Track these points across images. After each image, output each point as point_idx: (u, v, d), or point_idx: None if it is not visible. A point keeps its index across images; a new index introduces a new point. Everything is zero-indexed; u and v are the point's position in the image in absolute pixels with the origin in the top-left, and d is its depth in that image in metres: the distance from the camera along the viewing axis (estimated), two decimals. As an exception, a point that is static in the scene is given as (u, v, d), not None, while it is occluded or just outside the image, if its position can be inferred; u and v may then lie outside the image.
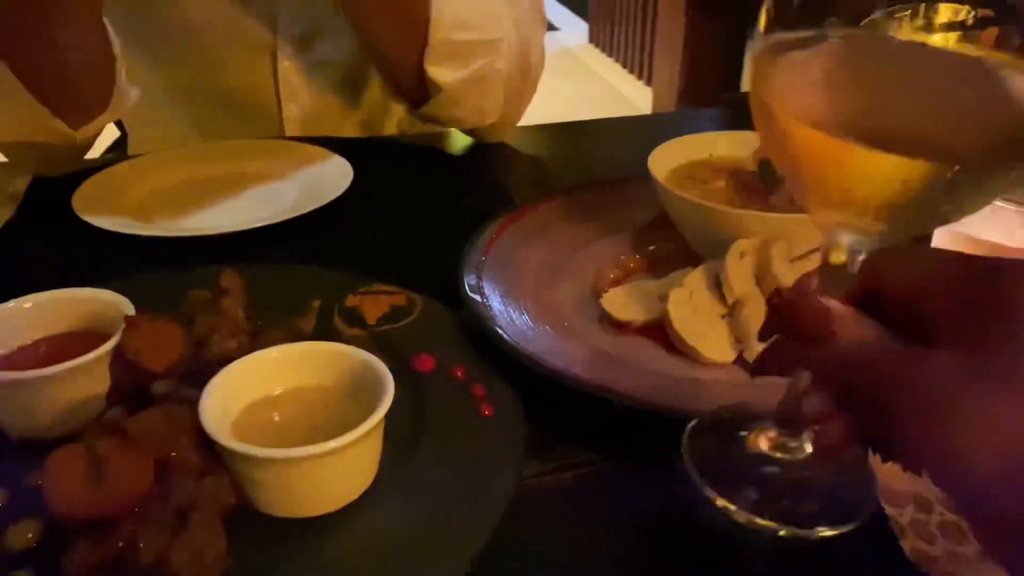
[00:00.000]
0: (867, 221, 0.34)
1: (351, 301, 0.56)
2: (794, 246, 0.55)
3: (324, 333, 0.52)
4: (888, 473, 0.41)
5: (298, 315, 0.54)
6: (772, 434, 0.42)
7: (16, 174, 0.77)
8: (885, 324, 0.33)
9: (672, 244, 0.63)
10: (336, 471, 0.39)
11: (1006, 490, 0.26)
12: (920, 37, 0.31)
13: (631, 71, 4.29)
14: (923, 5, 0.31)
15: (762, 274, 0.54)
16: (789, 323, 0.36)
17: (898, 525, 0.39)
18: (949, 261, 0.33)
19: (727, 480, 0.40)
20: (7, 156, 0.81)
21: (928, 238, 0.54)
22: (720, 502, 0.39)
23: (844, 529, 0.38)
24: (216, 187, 0.79)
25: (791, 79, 0.33)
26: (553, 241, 0.65)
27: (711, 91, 3.25)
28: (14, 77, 0.70)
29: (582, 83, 4.31)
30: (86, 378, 0.43)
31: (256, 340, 0.47)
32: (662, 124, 1.30)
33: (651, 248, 0.65)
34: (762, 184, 0.62)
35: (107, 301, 0.48)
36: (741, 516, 0.39)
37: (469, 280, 0.57)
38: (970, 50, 0.31)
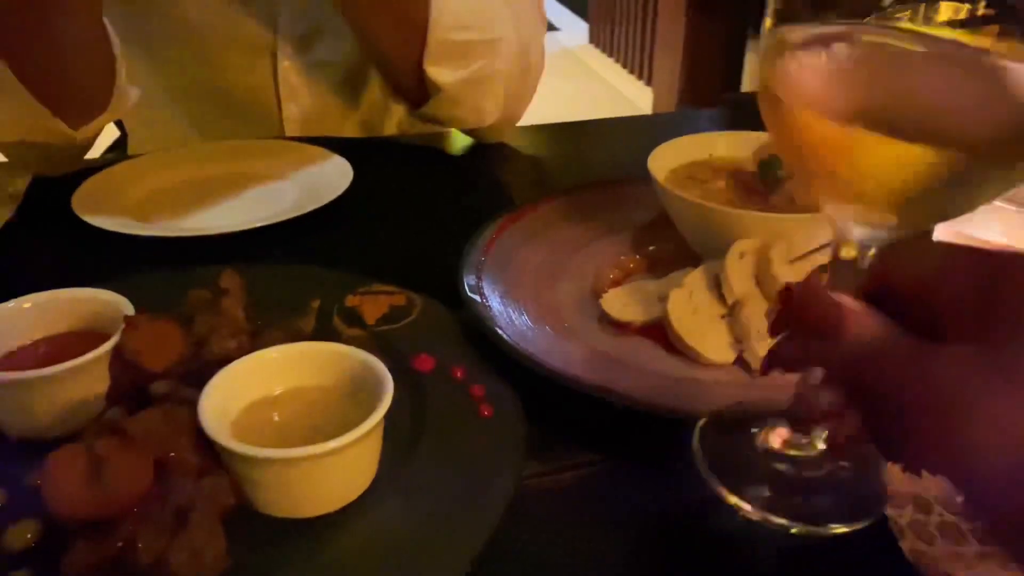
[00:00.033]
0: (878, 213, 0.34)
1: (351, 301, 0.56)
2: (794, 246, 0.55)
3: (324, 333, 0.52)
4: (888, 474, 0.41)
5: (298, 315, 0.54)
6: (783, 431, 0.41)
7: (16, 174, 0.77)
8: (896, 319, 0.33)
9: (672, 244, 0.63)
10: (336, 471, 0.39)
11: (1017, 485, 0.26)
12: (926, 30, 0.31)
13: (631, 71, 4.29)
14: (923, 4, 0.31)
15: (762, 274, 0.53)
16: (799, 318, 0.36)
17: (897, 526, 0.39)
18: (959, 255, 0.32)
19: (738, 477, 0.40)
20: (7, 156, 0.81)
21: (928, 236, 0.54)
22: (732, 499, 0.39)
23: (857, 526, 0.38)
24: (216, 187, 0.79)
25: (802, 72, 0.33)
26: (553, 241, 0.65)
27: (711, 91, 3.25)
28: (14, 77, 0.70)
29: (582, 83, 4.31)
30: (86, 378, 0.43)
31: (256, 340, 0.47)
32: (662, 124, 1.30)
33: (651, 248, 0.65)
34: (762, 184, 0.62)
35: (107, 301, 0.48)
36: (754, 514, 0.38)
37: (469, 280, 0.57)
38: (977, 43, 0.31)
